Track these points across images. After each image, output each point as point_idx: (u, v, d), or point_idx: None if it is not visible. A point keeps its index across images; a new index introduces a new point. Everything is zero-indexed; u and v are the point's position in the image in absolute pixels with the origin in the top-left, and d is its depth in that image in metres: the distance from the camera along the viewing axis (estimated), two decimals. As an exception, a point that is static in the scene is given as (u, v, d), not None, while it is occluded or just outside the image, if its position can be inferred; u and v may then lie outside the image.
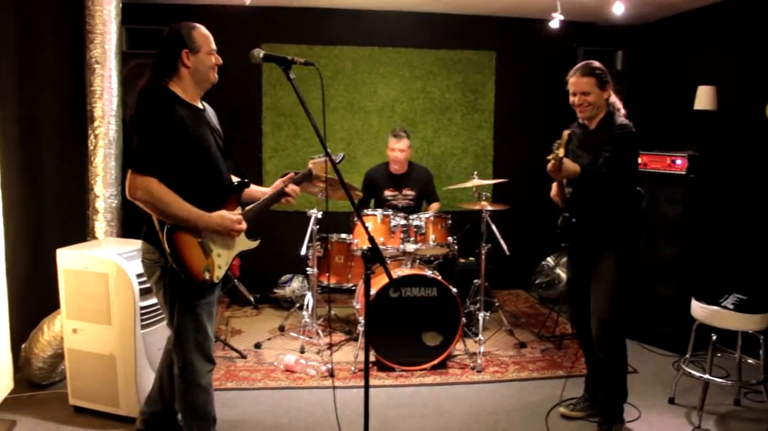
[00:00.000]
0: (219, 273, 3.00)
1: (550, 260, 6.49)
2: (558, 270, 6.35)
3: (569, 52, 6.40)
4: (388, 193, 5.63)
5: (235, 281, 6.30)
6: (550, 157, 3.32)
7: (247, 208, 3.17)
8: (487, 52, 6.84)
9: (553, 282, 6.37)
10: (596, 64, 3.60)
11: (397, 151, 5.54)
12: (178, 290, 2.93)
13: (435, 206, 5.67)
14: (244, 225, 3.04)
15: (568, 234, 3.69)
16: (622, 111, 3.60)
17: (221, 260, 3.01)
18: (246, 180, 3.19)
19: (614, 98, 3.61)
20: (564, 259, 6.31)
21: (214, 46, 2.98)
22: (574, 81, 3.59)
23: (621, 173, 3.46)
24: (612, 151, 3.44)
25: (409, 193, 5.67)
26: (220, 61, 3.01)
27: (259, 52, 2.80)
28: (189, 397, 3.07)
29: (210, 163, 2.94)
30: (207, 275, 2.92)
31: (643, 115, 3.64)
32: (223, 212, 2.96)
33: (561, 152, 3.27)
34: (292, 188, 3.30)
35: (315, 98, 6.35)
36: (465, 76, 6.84)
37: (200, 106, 3.04)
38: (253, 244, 3.22)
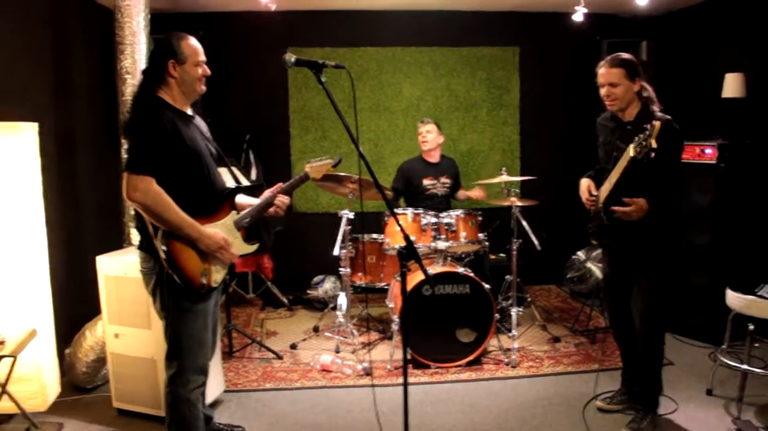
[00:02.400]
0: (217, 277, 2.98)
1: (580, 255, 6.46)
2: (589, 264, 6.32)
3: (593, 45, 6.37)
4: (427, 182, 5.69)
5: (269, 283, 6.36)
6: (632, 147, 3.20)
7: (242, 214, 3.14)
8: (510, 48, 6.83)
9: (585, 276, 6.33)
10: (626, 55, 3.54)
11: (425, 132, 5.68)
12: (174, 296, 2.88)
13: (478, 191, 5.75)
14: (234, 253, 3.00)
15: (605, 234, 3.68)
16: (657, 105, 3.55)
17: (219, 264, 2.98)
18: (240, 185, 3.18)
19: (650, 91, 3.55)
20: (594, 253, 6.27)
21: (202, 58, 2.98)
22: (602, 72, 3.55)
23: (667, 172, 3.40)
24: (667, 159, 3.33)
25: (447, 181, 5.76)
26: (208, 72, 3.00)
27: (291, 57, 2.79)
28: (176, 411, 2.99)
29: (202, 167, 2.93)
30: (204, 280, 2.89)
31: (670, 105, 3.59)
32: (219, 232, 2.93)
33: (653, 143, 3.09)
34: (280, 199, 3.25)
35: (340, 101, 6.33)
36: (489, 73, 6.83)
37: (189, 113, 3.04)
38: (251, 248, 3.17)
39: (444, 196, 5.73)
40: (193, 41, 2.97)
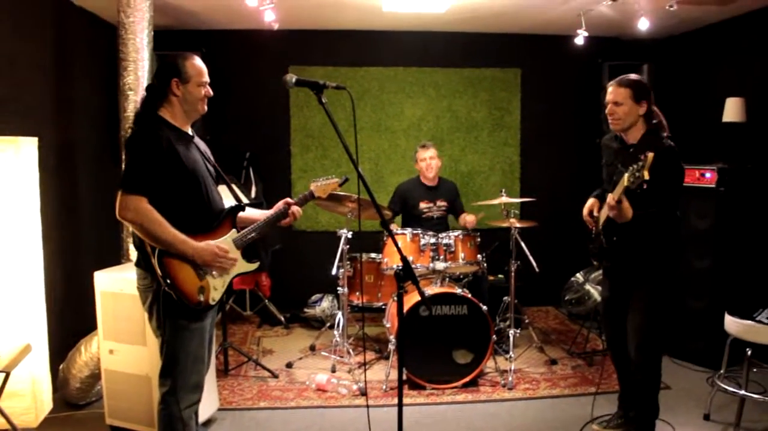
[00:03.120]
0: (214, 295, 2.97)
1: (579, 276, 6.45)
2: (587, 286, 6.31)
3: (594, 68, 6.41)
4: (423, 205, 5.67)
5: (266, 301, 6.34)
6: (625, 178, 3.19)
7: (243, 231, 3.13)
8: (512, 69, 6.85)
9: (583, 298, 6.32)
10: (637, 77, 3.56)
11: (428, 159, 5.62)
12: (170, 314, 2.87)
13: (471, 217, 5.56)
14: (233, 258, 3.00)
15: (604, 256, 3.67)
16: (666, 131, 3.53)
17: (216, 282, 2.97)
18: (241, 204, 3.18)
19: (660, 117, 3.55)
20: (593, 275, 6.26)
21: (205, 79, 3.00)
22: (610, 90, 3.56)
23: (667, 195, 3.42)
24: (661, 183, 3.33)
25: (443, 204, 5.72)
26: (210, 93, 3.02)
27: (292, 77, 2.81)
28: (169, 429, 2.95)
29: (199, 186, 2.93)
30: (201, 298, 2.88)
31: (670, 128, 3.61)
32: (211, 242, 2.92)
33: (646, 175, 3.05)
34: (295, 208, 3.26)
35: (340, 120, 6.35)
36: (491, 94, 6.86)
37: (190, 132, 3.05)
38: (251, 266, 3.15)
39: (440, 218, 5.71)
40: (197, 62, 2.99)
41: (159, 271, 2.77)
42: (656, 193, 3.35)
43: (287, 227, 3.35)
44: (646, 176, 3.05)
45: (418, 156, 5.69)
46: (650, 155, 3.06)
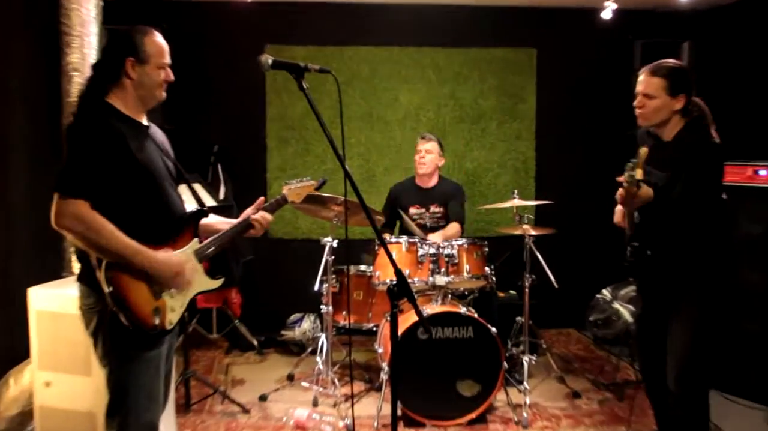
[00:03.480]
0: (172, 317, 2.90)
1: (606, 293, 6.40)
2: (616, 305, 6.25)
3: (624, 47, 6.36)
4: (413, 210, 5.64)
5: (236, 322, 6.30)
6: (622, 179, 3.21)
7: (205, 242, 3.07)
8: (526, 49, 6.84)
9: (611, 319, 6.27)
10: (675, 65, 3.50)
11: (423, 152, 5.61)
12: (119, 340, 2.80)
13: (452, 227, 5.45)
14: (195, 270, 2.96)
15: (641, 267, 3.60)
16: (712, 125, 3.48)
17: (175, 302, 2.91)
18: (204, 208, 3.13)
19: (704, 110, 3.50)
20: (623, 291, 6.22)
21: (167, 60, 2.94)
22: (641, 79, 3.50)
23: (702, 199, 3.37)
24: (692, 172, 3.32)
25: (438, 210, 5.67)
26: (171, 78, 2.97)
27: (267, 59, 2.76)
28: None
29: (156, 187, 2.88)
30: (156, 320, 2.82)
31: (715, 118, 3.54)
32: (171, 252, 2.87)
33: (639, 174, 3.11)
34: (261, 214, 3.21)
35: (325, 109, 6.37)
36: (501, 79, 6.83)
37: (144, 122, 2.99)
38: (215, 283, 3.11)
39: (434, 228, 5.61)
40: (159, 39, 2.94)
41: (106, 288, 2.70)
42: (691, 197, 3.32)
43: (263, 234, 3.30)
44: (639, 175, 3.07)
45: (416, 149, 5.69)
46: (642, 150, 3.07)
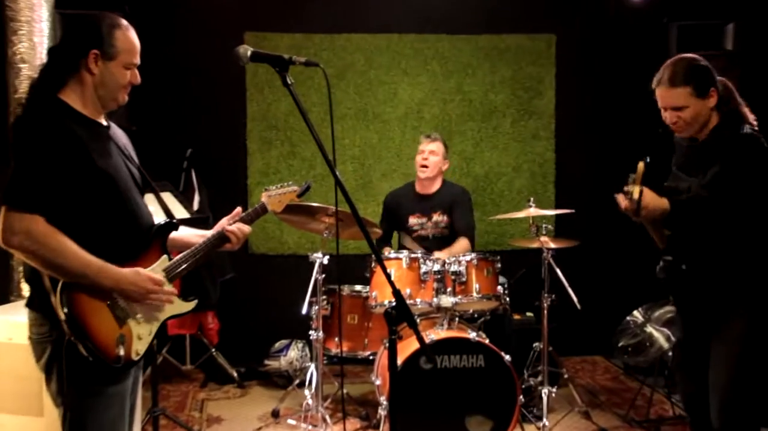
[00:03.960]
0: (139, 347, 2.88)
1: (637, 316, 6.41)
2: (649, 329, 6.27)
3: (658, 32, 6.37)
4: (413, 220, 5.66)
5: (213, 350, 6.30)
6: (623, 196, 3.25)
7: (176, 258, 3.07)
8: (544, 35, 6.88)
9: (643, 345, 6.28)
10: (688, 62, 3.49)
11: (427, 152, 5.62)
12: (78, 373, 2.76)
13: (460, 245, 5.50)
14: (167, 289, 2.95)
15: (676, 284, 3.62)
16: (752, 118, 3.49)
17: (142, 329, 2.89)
18: (174, 221, 3.12)
19: (738, 99, 3.50)
20: (657, 313, 6.23)
21: (136, 60, 2.93)
22: (661, 94, 3.47)
23: (740, 200, 3.38)
24: (723, 167, 3.33)
25: (441, 219, 5.69)
26: (138, 80, 2.95)
27: (247, 51, 2.77)
28: None
29: (119, 197, 2.86)
30: (121, 350, 2.79)
31: (762, 110, 3.56)
32: (140, 270, 2.86)
33: (637, 192, 3.17)
34: (238, 225, 3.20)
35: (315, 105, 6.42)
36: (515, 70, 6.87)
37: (104, 123, 2.98)
38: (187, 306, 3.11)
39: (439, 239, 5.65)
40: (132, 35, 2.91)
41: (62, 314, 2.68)
42: (734, 200, 3.32)
43: (242, 249, 3.31)
44: (636, 194, 3.15)
45: (418, 149, 5.71)
46: (640, 165, 3.15)
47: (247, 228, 3.24)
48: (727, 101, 3.51)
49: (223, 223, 3.23)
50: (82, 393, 2.80)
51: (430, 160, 5.62)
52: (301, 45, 6.54)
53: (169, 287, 2.98)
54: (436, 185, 5.74)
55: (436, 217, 5.68)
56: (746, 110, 3.52)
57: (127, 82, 2.91)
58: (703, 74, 3.45)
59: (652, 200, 3.30)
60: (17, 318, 3.71)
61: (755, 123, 3.51)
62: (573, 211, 5.56)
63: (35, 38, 4.42)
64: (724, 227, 3.40)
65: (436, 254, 5.21)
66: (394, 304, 2.67)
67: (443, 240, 5.63)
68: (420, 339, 2.68)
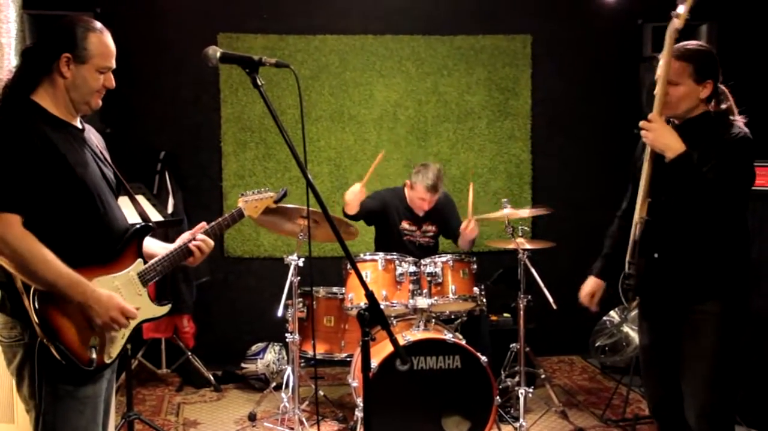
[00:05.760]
0: (112, 350, 2.89)
1: (614, 316, 6.45)
2: (626, 328, 6.30)
3: (632, 32, 6.41)
4: (405, 225, 5.66)
5: (189, 354, 6.28)
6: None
7: (150, 263, 3.06)
8: (519, 36, 6.91)
9: (620, 344, 6.32)
10: (701, 47, 3.55)
11: (426, 203, 5.51)
12: (50, 378, 2.77)
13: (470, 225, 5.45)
14: (138, 295, 2.95)
15: (646, 280, 3.60)
16: (739, 119, 3.51)
17: (115, 332, 2.89)
18: (150, 223, 3.12)
19: (729, 99, 3.52)
20: (633, 313, 6.25)
21: (110, 64, 2.92)
22: (662, 63, 3.46)
23: (732, 192, 3.39)
24: (722, 159, 3.34)
25: (430, 229, 5.71)
26: (112, 84, 2.95)
27: (216, 52, 2.76)
28: None
29: (91, 199, 2.85)
30: (93, 354, 2.79)
31: (739, 110, 3.58)
32: (113, 296, 2.83)
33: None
34: (197, 243, 3.16)
35: (291, 107, 6.42)
36: (491, 71, 6.90)
37: (78, 125, 2.97)
38: (161, 310, 3.11)
39: (425, 247, 5.67)
40: (106, 39, 2.91)
41: (35, 317, 2.68)
42: (717, 196, 3.33)
43: (217, 252, 3.30)
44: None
45: (416, 187, 5.50)
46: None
47: (211, 242, 3.21)
48: (718, 102, 3.54)
49: (185, 237, 3.20)
50: (55, 397, 2.80)
51: (424, 206, 5.54)
52: (275, 46, 6.53)
53: (144, 303, 2.98)
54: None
55: (425, 227, 5.69)
56: (735, 111, 3.54)
57: (100, 86, 2.91)
58: (709, 62, 3.48)
59: (671, 134, 3.33)
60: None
61: (744, 119, 3.52)
62: (550, 211, 5.57)
63: (2, 39, 4.38)
64: (704, 216, 3.41)
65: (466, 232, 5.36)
66: (367, 306, 2.67)
67: (429, 249, 5.66)
68: (393, 341, 2.68)
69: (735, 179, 3.40)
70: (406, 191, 5.70)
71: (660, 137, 3.31)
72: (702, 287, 3.49)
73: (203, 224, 3.25)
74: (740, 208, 3.51)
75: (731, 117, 3.50)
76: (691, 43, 3.55)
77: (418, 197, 5.53)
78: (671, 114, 3.55)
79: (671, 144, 3.30)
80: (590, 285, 3.84)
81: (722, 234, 3.46)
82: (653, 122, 3.32)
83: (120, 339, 2.94)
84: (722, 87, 3.55)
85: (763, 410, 5.11)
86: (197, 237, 3.18)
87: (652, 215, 3.45)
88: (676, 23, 3.25)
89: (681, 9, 3.26)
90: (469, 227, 5.38)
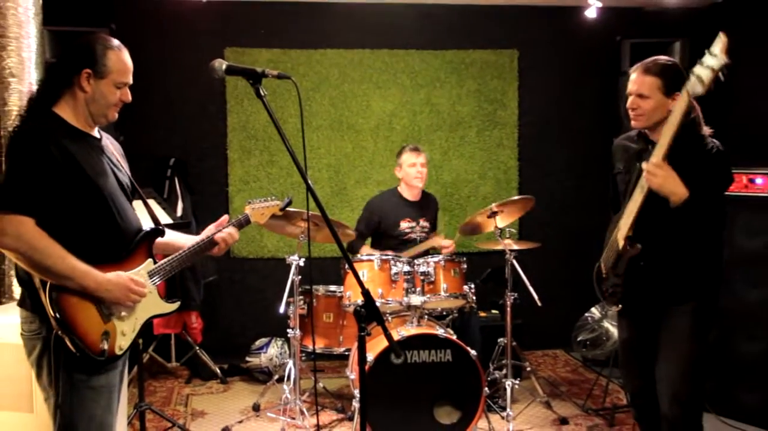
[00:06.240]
0: (123, 343, 2.90)
1: (595, 312, 6.46)
2: (606, 324, 6.32)
3: (612, 48, 6.40)
4: (405, 225, 5.68)
5: (197, 348, 6.28)
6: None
7: (162, 262, 3.08)
8: (507, 51, 6.91)
9: (600, 339, 6.33)
10: (669, 62, 3.54)
11: (419, 165, 5.63)
12: (66, 368, 2.81)
13: (447, 242, 5.62)
14: (147, 289, 2.95)
15: (628, 283, 3.63)
16: (706, 129, 3.51)
17: (126, 326, 2.91)
18: (160, 227, 3.13)
19: (697, 111, 3.49)
20: (613, 310, 6.27)
21: (127, 80, 2.94)
22: (633, 78, 3.52)
23: (717, 206, 3.42)
24: (712, 176, 3.37)
25: (426, 224, 5.76)
26: (129, 98, 2.97)
27: (221, 64, 2.77)
28: None
29: (105, 203, 2.87)
30: (105, 345, 2.81)
31: (709, 121, 3.58)
32: (122, 273, 2.87)
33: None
34: (228, 231, 3.24)
35: (293, 116, 6.42)
36: (481, 83, 6.90)
37: (96, 134, 3.00)
38: (170, 307, 3.13)
39: (424, 242, 5.71)
40: (124, 56, 2.94)
41: (51, 311, 2.70)
42: (700, 207, 3.34)
43: (225, 253, 3.32)
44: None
45: (404, 160, 5.69)
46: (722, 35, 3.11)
47: (236, 235, 3.28)
48: (688, 114, 3.54)
49: (211, 229, 3.26)
50: (71, 386, 2.82)
51: (424, 173, 5.67)
52: (278, 60, 6.53)
53: (153, 299, 2.99)
54: (419, 193, 5.80)
55: (422, 222, 5.73)
56: (701, 122, 3.54)
57: (117, 99, 2.94)
58: (676, 77, 3.46)
59: (674, 181, 3.29)
60: (8, 319, 3.67)
61: (711, 132, 3.53)
62: (531, 207, 5.58)
63: (24, 53, 4.37)
64: (687, 229, 3.42)
65: (441, 242, 5.58)
66: (363, 303, 2.70)
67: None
68: (388, 336, 2.69)
69: (720, 194, 3.44)
70: (399, 175, 5.76)
71: (666, 183, 3.29)
72: (681, 291, 3.53)
73: (226, 217, 3.31)
74: (721, 218, 3.52)
75: (701, 130, 3.50)
76: (659, 59, 3.55)
77: (409, 164, 5.66)
78: (643, 126, 3.58)
79: (677, 190, 3.29)
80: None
81: (702, 243, 3.49)
82: (660, 168, 3.28)
83: (131, 332, 2.95)
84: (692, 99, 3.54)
85: (730, 399, 5.13)
86: (219, 235, 3.23)
87: (637, 230, 3.47)
88: (698, 90, 3.18)
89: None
90: (448, 249, 5.46)
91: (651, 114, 3.50)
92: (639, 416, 3.89)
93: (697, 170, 3.34)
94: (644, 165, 3.32)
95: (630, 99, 3.54)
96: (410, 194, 5.76)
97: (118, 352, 2.90)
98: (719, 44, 3.11)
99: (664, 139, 3.26)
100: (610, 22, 6.30)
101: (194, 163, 6.55)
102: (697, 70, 3.13)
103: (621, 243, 3.54)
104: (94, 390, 2.87)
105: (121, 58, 2.92)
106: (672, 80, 3.46)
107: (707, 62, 3.11)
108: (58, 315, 2.71)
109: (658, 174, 3.28)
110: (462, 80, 6.87)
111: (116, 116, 2.99)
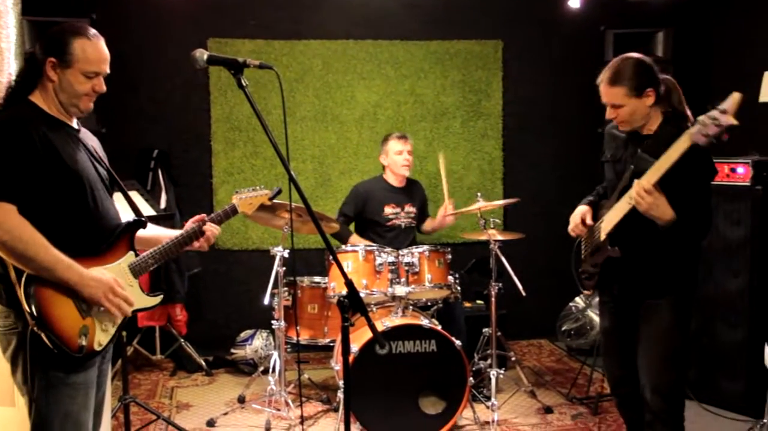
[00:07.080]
0: (101, 338, 2.85)
1: (579, 302, 6.49)
2: (590, 313, 6.35)
3: (596, 38, 6.38)
4: (389, 210, 5.71)
5: (182, 340, 6.26)
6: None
7: (143, 255, 3.05)
8: (491, 41, 6.90)
9: (585, 328, 6.36)
10: (629, 63, 3.48)
11: (406, 153, 5.72)
12: (42, 365, 2.74)
13: (444, 216, 5.73)
14: (128, 296, 2.88)
15: (610, 277, 3.65)
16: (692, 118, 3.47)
17: (106, 321, 2.86)
18: (142, 218, 3.09)
19: (678, 90, 3.51)
20: (597, 299, 6.29)
21: (96, 69, 2.87)
22: (602, 90, 3.52)
23: (693, 201, 3.41)
24: (691, 187, 3.38)
25: (411, 210, 5.81)
26: (102, 89, 2.91)
27: (203, 54, 2.75)
28: None
29: (84, 195, 2.84)
30: (83, 341, 2.76)
31: (692, 110, 3.58)
32: (107, 272, 2.83)
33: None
34: (211, 228, 3.21)
35: (277, 107, 6.39)
36: (465, 73, 6.90)
37: (74, 125, 2.96)
38: (152, 301, 3.09)
39: (408, 228, 5.77)
40: (95, 45, 2.87)
41: (27, 306, 2.65)
42: (687, 200, 3.35)
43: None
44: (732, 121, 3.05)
45: (391, 147, 5.76)
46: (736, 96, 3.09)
47: (217, 230, 3.25)
48: (669, 99, 3.53)
49: (191, 225, 3.22)
50: (47, 383, 2.78)
51: (411, 159, 5.76)
52: (261, 50, 6.50)
53: (130, 286, 2.96)
54: (404, 180, 5.86)
55: (407, 208, 5.78)
56: (687, 110, 3.54)
57: (88, 89, 2.88)
58: (640, 75, 3.44)
59: (664, 204, 3.29)
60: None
61: (692, 120, 3.52)
62: (518, 200, 5.60)
63: (2, 44, 4.32)
64: (670, 230, 3.42)
65: (437, 220, 5.77)
66: (346, 294, 2.70)
67: (410, 230, 5.79)
68: (371, 326, 2.70)
69: (706, 195, 3.46)
70: (385, 162, 5.83)
71: (653, 209, 3.27)
72: (659, 286, 3.55)
73: (202, 216, 3.25)
74: (705, 214, 3.50)
75: (685, 121, 3.47)
76: (618, 65, 3.49)
77: (396, 152, 5.73)
78: (631, 129, 3.57)
79: (663, 215, 3.29)
80: (580, 210, 3.83)
81: (681, 241, 3.48)
82: (649, 195, 3.25)
83: (111, 327, 2.90)
84: (666, 80, 3.52)
85: (712, 386, 5.17)
86: (208, 227, 3.21)
87: (618, 228, 3.50)
88: (701, 141, 3.14)
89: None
90: (447, 218, 5.50)
91: (631, 118, 3.49)
92: (621, 404, 3.91)
93: (682, 172, 3.31)
94: (635, 185, 3.30)
95: (607, 110, 3.53)
96: (395, 180, 5.82)
97: (97, 348, 2.85)
98: (730, 103, 3.08)
99: (659, 168, 3.24)
100: (593, 12, 6.29)
101: (178, 154, 6.52)
102: (703, 119, 3.11)
103: (602, 237, 3.57)
104: (71, 387, 2.82)
105: (88, 46, 2.85)
106: (637, 81, 3.43)
107: (714, 116, 3.09)
108: (34, 311, 2.66)
109: (646, 200, 3.26)
110: (446, 71, 6.86)
111: (91, 106, 2.93)
